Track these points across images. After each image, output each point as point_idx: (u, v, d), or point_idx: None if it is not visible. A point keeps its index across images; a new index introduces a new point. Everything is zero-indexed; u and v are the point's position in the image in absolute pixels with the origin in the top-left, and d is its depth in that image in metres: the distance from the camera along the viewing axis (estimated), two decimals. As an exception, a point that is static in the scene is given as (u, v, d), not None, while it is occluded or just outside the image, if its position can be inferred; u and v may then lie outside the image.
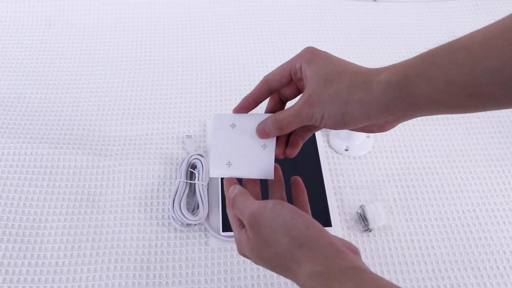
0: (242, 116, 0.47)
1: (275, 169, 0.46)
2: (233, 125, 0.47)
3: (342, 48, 0.85)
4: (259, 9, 0.91)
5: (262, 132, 0.44)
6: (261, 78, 0.45)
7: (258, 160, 0.46)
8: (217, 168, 0.47)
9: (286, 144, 0.47)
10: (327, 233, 0.38)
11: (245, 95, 0.46)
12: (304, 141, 0.47)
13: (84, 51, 0.84)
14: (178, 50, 0.85)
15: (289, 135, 0.47)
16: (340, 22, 0.89)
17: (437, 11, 0.91)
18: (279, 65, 0.44)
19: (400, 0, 0.93)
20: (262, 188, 0.48)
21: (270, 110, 0.47)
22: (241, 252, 0.43)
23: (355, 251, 0.39)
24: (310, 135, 0.47)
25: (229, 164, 0.46)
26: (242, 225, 0.43)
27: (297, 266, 0.37)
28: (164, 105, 0.76)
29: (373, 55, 0.84)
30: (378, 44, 0.85)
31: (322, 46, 0.85)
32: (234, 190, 0.44)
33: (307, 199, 0.47)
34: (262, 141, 0.46)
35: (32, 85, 0.79)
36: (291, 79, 0.44)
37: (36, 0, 0.90)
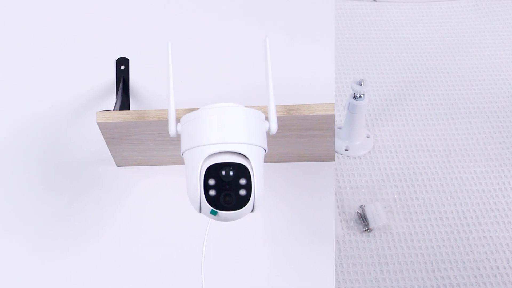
0: None
1: None
2: None
3: (342, 48, 0.85)
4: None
5: None
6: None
7: None
8: None
9: None
10: None
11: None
12: None
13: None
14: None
15: None
16: (340, 22, 0.89)
17: (437, 11, 0.91)
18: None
19: (400, 0, 0.93)
20: None
21: None
22: None
23: None
24: None
25: None
26: None
27: None
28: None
29: (373, 55, 0.84)
30: (378, 44, 0.85)
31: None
32: None
33: None
34: None
35: None
36: None
37: None
